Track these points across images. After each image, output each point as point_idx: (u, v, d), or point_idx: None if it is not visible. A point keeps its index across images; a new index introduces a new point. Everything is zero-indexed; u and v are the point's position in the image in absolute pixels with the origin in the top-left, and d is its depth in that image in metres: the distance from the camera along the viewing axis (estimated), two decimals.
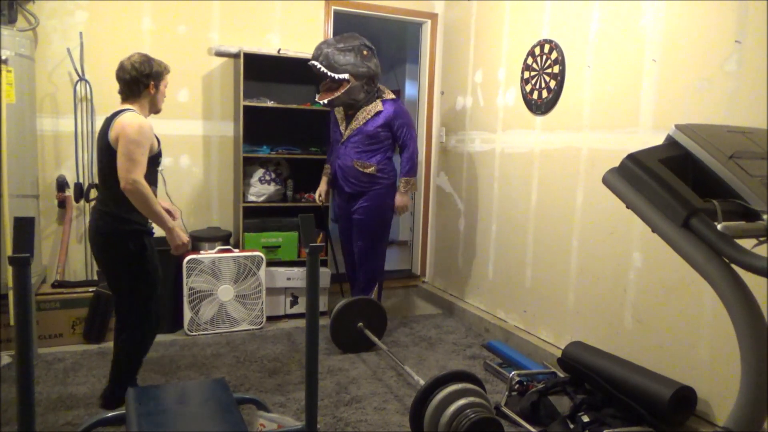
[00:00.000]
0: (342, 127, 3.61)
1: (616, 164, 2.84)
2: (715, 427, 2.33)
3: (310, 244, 1.75)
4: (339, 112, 3.65)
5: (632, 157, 1.46)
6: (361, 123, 3.51)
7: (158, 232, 2.65)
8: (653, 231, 1.40)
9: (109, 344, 3.33)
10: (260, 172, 3.91)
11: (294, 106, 3.92)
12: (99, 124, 3.65)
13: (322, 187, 3.80)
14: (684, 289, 2.47)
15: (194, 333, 3.55)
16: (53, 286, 3.42)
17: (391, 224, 3.74)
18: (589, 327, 2.99)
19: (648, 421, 2.36)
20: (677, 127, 1.53)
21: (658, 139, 2.61)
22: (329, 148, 3.78)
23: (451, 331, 3.80)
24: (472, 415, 2.12)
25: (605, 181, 1.52)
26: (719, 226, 1.28)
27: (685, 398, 2.37)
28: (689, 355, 2.45)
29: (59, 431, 2.38)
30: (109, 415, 1.83)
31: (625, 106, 2.76)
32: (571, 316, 3.11)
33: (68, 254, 3.65)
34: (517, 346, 3.40)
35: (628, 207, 1.47)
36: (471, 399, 2.19)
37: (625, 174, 1.46)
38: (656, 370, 2.54)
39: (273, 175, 3.94)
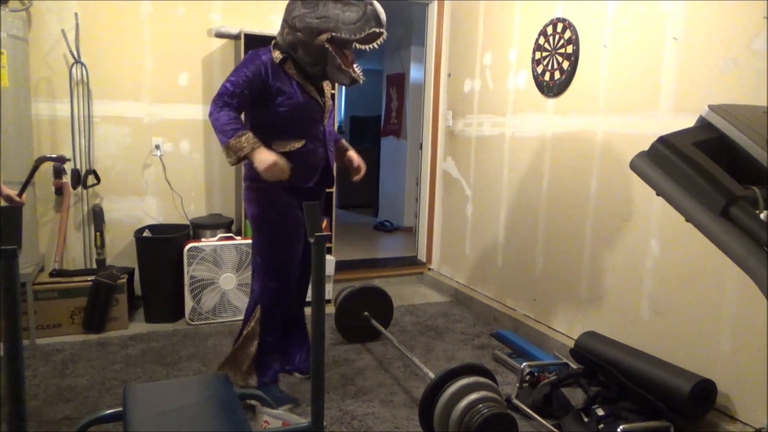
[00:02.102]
0: (317, 98, 2.49)
1: (634, 149, 2.71)
2: (736, 421, 2.25)
3: (316, 234, 1.65)
4: (299, 76, 2.44)
5: (664, 140, 1.35)
6: (329, 98, 2.63)
7: None
8: (687, 220, 1.30)
9: (109, 334, 3.27)
10: None
11: None
12: (96, 108, 3.57)
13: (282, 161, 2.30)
14: (704, 279, 2.37)
15: (196, 322, 3.47)
16: (51, 274, 3.34)
17: None
18: (603, 317, 2.90)
19: (666, 415, 2.27)
20: (711, 107, 1.42)
21: (679, 123, 2.51)
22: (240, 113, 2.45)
23: (459, 320, 3.71)
24: (485, 411, 2.03)
25: (633, 165, 1.41)
26: (762, 215, 1.18)
27: (705, 391, 2.28)
28: (709, 346, 2.35)
29: (57, 425, 2.31)
30: (107, 412, 1.75)
31: (644, 87, 2.64)
32: (584, 305, 3.02)
33: (66, 242, 3.57)
34: (527, 335, 3.32)
35: (658, 194, 1.36)
36: (483, 393, 2.10)
37: (656, 158, 1.35)
38: (674, 362, 2.45)
39: None
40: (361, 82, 2.43)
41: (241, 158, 2.25)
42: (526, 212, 3.45)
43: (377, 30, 2.25)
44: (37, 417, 2.37)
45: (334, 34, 2.27)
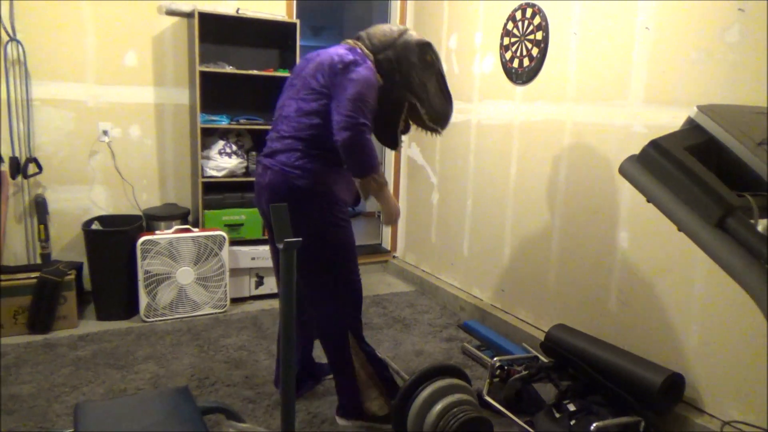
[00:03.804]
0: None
1: (603, 139, 2.68)
2: (704, 414, 2.27)
3: (285, 239, 1.53)
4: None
5: (656, 145, 1.29)
6: None
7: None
8: (679, 230, 1.24)
9: (57, 334, 3.07)
10: (220, 144, 3.61)
11: (255, 72, 3.61)
12: (35, 89, 3.29)
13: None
14: (673, 271, 2.37)
15: (151, 319, 3.30)
16: None
17: None
18: (571, 309, 2.89)
19: (636, 410, 2.27)
20: (699, 108, 1.37)
21: (649, 114, 2.49)
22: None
23: (426, 311, 3.66)
24: (461, 415, 1.98)
25: (623, 170, 1.35)
26: (760, 226, 1.13)
27: (674, 385, 2.29)
28: (677, 339, 2.36)
29: None
30: None
31: (614, 77, 2.59)
32: (552, 296, 3.00)
33: (6, 236, 3.31)
34: (494, 326, 3.29)
35: (649, 201, 1.30)
36: (458, 396, 2.05)
37: (648, 163, 1.29)
38: (642, 354, 2.46)
39: (234, 147, 3.65)
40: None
41: (373, 192, 2.11)
42: (493, 201, 3.40)
43: (440, 130, 2.34)
44: None
45: (419, 106, 2.24)
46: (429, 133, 2.36)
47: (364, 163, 2.03)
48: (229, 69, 3.55)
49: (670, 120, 2.36)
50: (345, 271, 2.23)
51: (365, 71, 2.07)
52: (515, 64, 3.15)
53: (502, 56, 3.26)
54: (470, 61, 3.54)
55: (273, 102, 3.88)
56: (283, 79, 3.70)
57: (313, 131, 2.11)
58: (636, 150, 2.51)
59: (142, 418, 1.59)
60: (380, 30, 2.25)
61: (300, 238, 1.54)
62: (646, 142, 2.26)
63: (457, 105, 3.67)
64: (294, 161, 2.11)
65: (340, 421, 2.34)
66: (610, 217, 2.64)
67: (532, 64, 3.03)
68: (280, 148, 2.17)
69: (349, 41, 2.26)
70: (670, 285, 2.38)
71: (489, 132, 3.41)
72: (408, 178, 4.36)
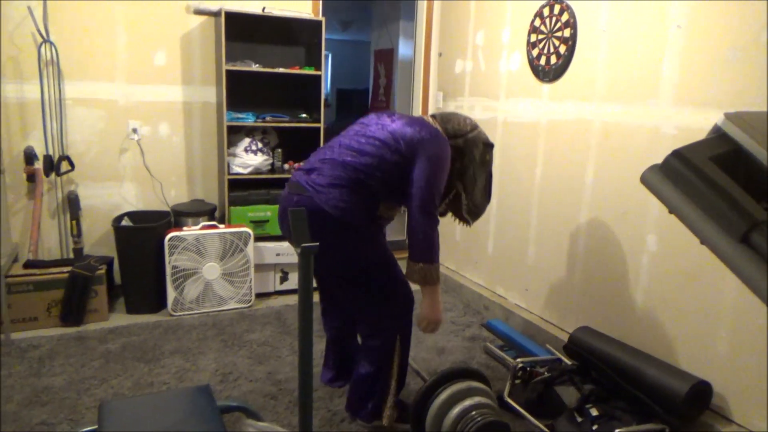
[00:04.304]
0: None
1: (632, 140, 2.62)
2: (731, 423, 2.22)
3: (302, 245, 1.54)
4: None
5: (679, 154, 1.25)
6: None
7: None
8: (702, 243, 1.21)
9: (89, 327, 3.16)
10: (246, 141, 3.65)
11: (281, 69, 3.63)
12: (67, 89, 3.38)
13: None
14: (702, 277, 2.31)
15: (179, 313, 3.37)
16: (25, 266, 3.20)
17: None
18: (597, 311, 2.84)
19: (660, 417, 2.23)
20: (727, 116, 1.32)
21: (680, 115, 2.42)
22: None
23: (449, 309, 3.65)
24: (479, 418, 1.97)
25: (644, 180, 1.32)
26: None
27: (701, 393, 2.24)
28: (705, 347, 2.31)
29: (33, 431, 2.21)
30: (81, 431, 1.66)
31: (644, 76, 2.53)
32: (577, 297, 2.96)
33: (41, 231, 3.42)
34: (518, 326, 3.27)
35: (671, 212, 1.27)
36: (477, 399, 2.04)
37: (670, 174, 1.26)
38: (669, 360, 2.41)
39: (260, 145, 3.68)
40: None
41: (424, 282, 2.13)
42: (519, 200, 3.36)
43: (470, 222, 2.42)
44: (13, 422, 2.27)
45: (463, 196, 2.32)
46: (458, 221, 2.44)
47: (429, 250, 2.10)
48: (255, 67, 3.58)
49: (702, 122, 2.29)
50: (389, 283, 2.27)
51: (445, 152, 2.15)
52: (542, 61, 3.10)
53: (529, 53, 3.21)
54: (497, 58, 3.49)
55: (298, 98, 3.92)
56: (309, 77, 3.74)
57: (362, 176, 2.12)
58: (665, 152, 2.45)
59: (162, 417, 1.63)
60: (455, 118, 2.32)
61: (317, 243, 1.55)
62: (675, 145, 2.20)
63: (483, 102, 3.64)
64: (335, 196, 2.11)
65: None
66: (639, 220, 2.58)
67: (560, 61, 2.98)
68: (323, 182, 2.15)
69: (429, 119, 2.30)
70: (700, 290, 2.33)
71: (515, 130, 3.37)
72: None
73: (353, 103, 9.04)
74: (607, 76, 2.72)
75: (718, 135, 1.32)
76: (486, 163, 2.31)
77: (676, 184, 1.24)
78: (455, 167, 2.25)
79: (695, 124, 2.31)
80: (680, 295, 2.40)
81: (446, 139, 2.19)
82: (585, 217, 2.89)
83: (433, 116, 2.32)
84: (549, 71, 3.06)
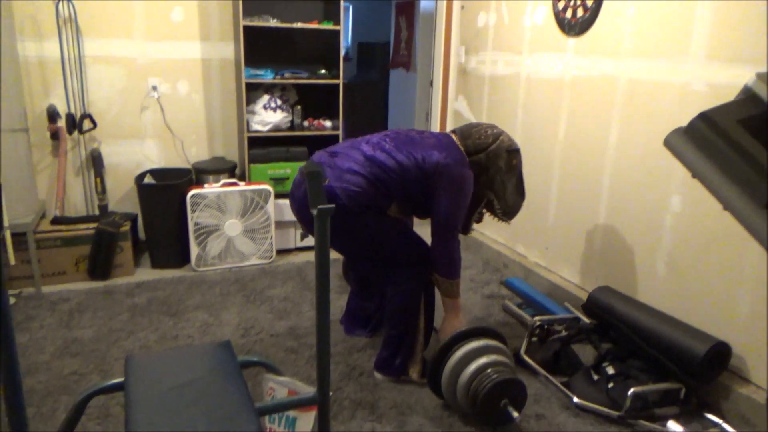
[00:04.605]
0: None
1: (659, 98, 2.54)
2: (749, 383, 2.21)
3: (319, 206, 1.54)
4: None
5: (705, 117, 1.21)
6: None
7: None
8: (724, 208, 1.18)
9: (115, 281, 3.25)
10: (265, 98, 3.63)
11: (299, 25, 3.56)
12: (86, 47, 3.37)
13: None
14: (726, 239, 2.25)
15: (202, 268, 3.44)
16: (53, 222, 3.28)
17: None
18: (617, 271, 2.82)
19: (677, 377, 2.24)
20: (759, 76, 1.27)
21: (711, 72, 2.32)
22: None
23: (468, 266, 3.66)
24: (494, 375, 2.00)
25: (668, 143, 1.28)
26: None
27: (719, 354, 2.23)
28: (726, 308, 2.28)
29: (65, 380, 2.32)
30: (108, 383, 1.72)
31: (675, 30, 2.42)
32: (598, 257, 2.94)
33: (66, 188, 3.48)
34: (538, 284, 3.27)
35: (694, 176, 1.23)
36: (493, 357, 2.06)
37: (695, 137, 1.22)
38: (689, 321, 2.39)
39: (279, 102, 3.66)
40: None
41: (447, 294, 2.30)
42: (541, 158, 3.31)
43: (508, 221, 2.50)
44: (46, 371, 2.37)
45: (495, 201, 2.39)
46: (496, 219, 2.51)
47: (451, 267, 2.27)
48: (273, 22, 3.52)
49: (734, 79, 2.18)
50: (406, 249, 2.32)
51: (466, 177, 2.24)
52: (568, 14, 2.99)
53: (554, 6, 3.09)
54: (521, 11, 3.37)
55: (316, 54, 3.86)
56: (328, 32, 3.66)
57: (383, 175, 2.21)
58: (694, 111, 2.37)
59: (185, 371, 1.69)
60: (476, 132, 2.35)
61: (332, 205, 1.55)
62: (705, 103, 2.13)
63: (505, 56, 3.54)
64: (351, 181, 2.19)
65: (379, 376, 2.41)
66: (663, 180, 2.52)
67: (587, 14, 2.86)
68: (343, 166, 2.23)
69: (452, 137, 2.37)
70: (723, 252, 2.28)
71: (538, 87, 3.28)
72: None
73: (375, 57, 8.85)
74: (636, 30, 2.61)
75: (747, 96, 1.26)
76: (513, 168, 2.35)
77: (701, 148, 1.20)
78: (481, 180, 2.34)
79: (727, 81, 2.21)
80: (703, 256, 2.37)
81: (467, 162, 2.28)
82: (608, 176, 2.83)
83: (453, 131, 2.40)
84: (575, 25, 2.95)
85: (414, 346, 2.37)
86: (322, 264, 1.59)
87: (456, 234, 2.26)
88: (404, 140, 2.29)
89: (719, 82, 2.24)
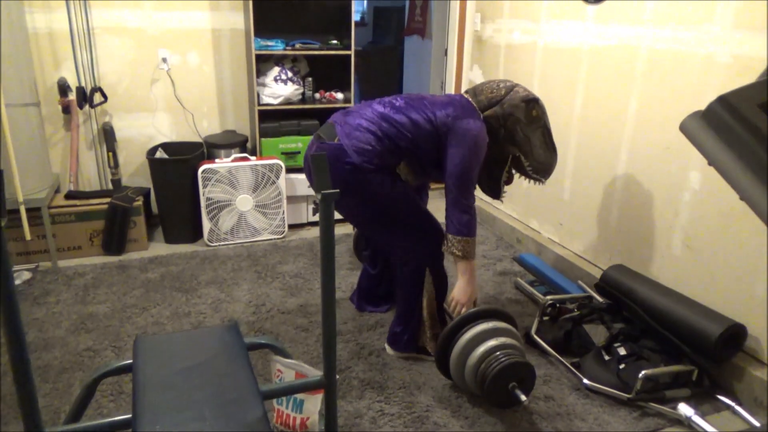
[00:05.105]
0: None
1: (682, 69, 2.44)
2: (764, 366, 2.17)
3: (323, 191, 1.51)
4: None
5: (724, 101, 1.14)
6: None
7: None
8: (741, 198, 1.12)
9: (130, 256, 3.29)
10: (276, 70, 3.57)
11: None
12: (95, 17, 3.33)
13: None
14: (745, 218, 2.19)
15: (215, 244, 3.46)
16: (67, 196, 3.30)
17: None
18: (632, 248, 2.76)
19: (690, 358, 2.21)
20: None
21: (737, 41, 2.21)
22: None
23: (481, 242, 3.62)
24: (503, 358, 1.98)
25: (684, 127, 1.22)
26: None
27: (735, 335, 2.18)
28: (743, 289, 2.23)
29: (80, 356, 2.36)
30: (117, 365, 1.74)
31: None
32: (613, 233, 2.88)
33: (80, 162, 3.49)
34: (551, 260, 3.22)
35: (710, 164, 1.17)
36: (502, 340, 2.04)
37: (713, 122, 1.15)
38: (704, 301, 2.34)
39: (290, 74, 3.60)
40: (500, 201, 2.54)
41: (460, 255, 2.19)
42: (557, 130, 3.21)
43: (543, 181, 2.39)
44: (62, 347, 2.42)
45: (522, 158, 2.30)
46: (530, 181, 2.42)
47: (467, 225, 2.17)
48: None
49: (762, 50, 2.08)
50: (412, 218, 2.28)
51: (478, 131, 2.16)
52: None
53: None
54: None
55: (328, 23, 3.77)
56: (339, 2, 3.56)
57: (393, 131, 2.17)
58: (717, 83, 2.26)
59: (192, 353, 1.70)
60: (488, 87, 2.28)
61: (337, 190, 1.52)
62: (730, 75, 2.03)
63: (522, 24, 3.42)
64: (361, 138, 2.15)
65: (390, 350, 2.41)
66: (682, 155, 2.44)
67: None
68: (353, 123, 2.20)
69: (465, 95, 2.30)
70: (740, 232, 2.21)
71: (556, 56, 3.17)
72: None
73: (391, 21, 8.67)
74: None
75: None
76: (535, 119, 2.25)
77: (719, 134, 1.13)
78: (501, 135, 2.25)
79: (754, 52, 2.11)
80: (720, 235, 2.30)
81: (479, 116, 2.21)
82: (625, 150, 2.75)
83: (466, 92, 2.32)
84: None
85: (420, 320, 2.37)
86: (328, 250, 1.57)
87: (471, 191, 2.18)
88: (416, 98, 2.25)
89: (745, 53, 2.14)
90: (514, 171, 2.43)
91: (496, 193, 2.46)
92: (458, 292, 2.27)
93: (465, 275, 2.24)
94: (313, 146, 2.25)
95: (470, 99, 2.27)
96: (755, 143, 1.08)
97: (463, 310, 2.24)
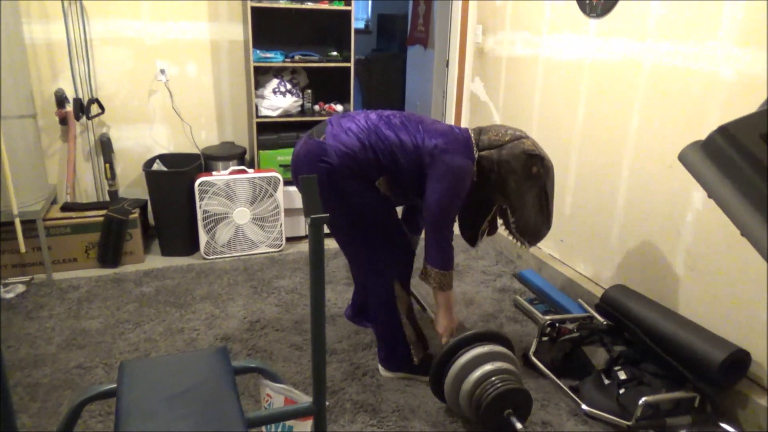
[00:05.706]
0: None
1: (684, 85, 2.38)
2: None
3: (312, 215, 1.47)
4: None
5: (724, 131, 1.09)
6: None
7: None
8: (742, 234, 1.07)
9: (126, 269, 3.25)
10: (274, 82, 3.54)
11: (310, 5, 3.44)
12: (93, 29, 3.31)
13: None
14: (748, 242, 2.13)
15: (211, 257, 3.42)
16: (63, 208, 3.27)
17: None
18: (633, 267, 2.71)
19: (693, 384, 2.14)
20: None
21: (742, 58, 2.16)
22: None
23: (481, 257, 3.57)
24: (499, 384, 1.93)
25: (683, 158, 1.17)
26: None
27: (738, 361, 2.12)
28: (747, 313, 2.17)
29: (70, 374, 2.32)
30: (102, 389, 1.70)
31: (703, 11, 2.25)
32: (614, 252, 2.82)
33: (77, 173, 3.47)
34: (551, 277, 3.17)
35: (710, 197, 1.12)
36: (498, 365, 1.99)
37: (713, 152, 1.10)
38: (706, 325, 2.28)
39: (288, 86, 3.57)
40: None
41: (437, 286, 2.14)
42: (558, 144, 3.17)
43: (527, 244, 2.31)
44: (52, 364, 2.38)
45: (509, 212, 2.22)
46: (515, 241, 2.32)
47: (443, 259, 2.11)
48: (282, 3, 3.40)
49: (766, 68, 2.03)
50: (382, 233, 2.23)
51: (462, 167, 2.09)
52: None
53: None
54: None
55: (327, 35, 3.74)
56: (339, 13, 3.53)
57: (380, 144, 2.12)
58: (721, 101, 2.21)
59: (178, 380, 1.65)
60: (495, 129, 2.21)
61: (327, 214, 1.48)
62: (734, 92, 1.97)
63: (524, 36, 3.38)
64: (345, 141, 2.12)
65: (383, 372, 2.37)
66: (686, 174, 2.38)
67: None
68: (344, 125, 2.17)
69: (469, 130, 2.26)
70: (745, 255, 2.16)
71: (557, 69, 3.13)
72: (470, 113, 4.15)
73: (396, 29, 8.65)
74: (661, 12, 2.44)
75: None
76: (533, 177, 2.13)
77: (720, 165, 1.09)
78: (491, 179, 2.16)
79: (759, 69, 2.06)
80: (724, 257, 2.24)
81: (473, 153, 2.14)
82: (627, 167, 2.70)
83: (475, 129, 2.26)
84: (597, 5, 2.78)
85: (398, 335, 2.32)
86: (317, 276, 1.53)
87: (449, 226, 2.11)
88: (414, 120, 2.20)
89: (751, 71, 2.08)
90: (499, 223, 2.35)
91: (472, 240, 2.39)
92: (441, 321, 2.22)
93: (441, 307, 2.20)
94: (301, 142, 2.22)
95: (473, 135, 2.20)
96: (756, 176, 1.03)
97: (443, 341, 2.19)
